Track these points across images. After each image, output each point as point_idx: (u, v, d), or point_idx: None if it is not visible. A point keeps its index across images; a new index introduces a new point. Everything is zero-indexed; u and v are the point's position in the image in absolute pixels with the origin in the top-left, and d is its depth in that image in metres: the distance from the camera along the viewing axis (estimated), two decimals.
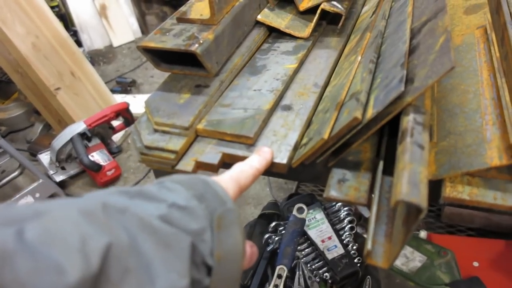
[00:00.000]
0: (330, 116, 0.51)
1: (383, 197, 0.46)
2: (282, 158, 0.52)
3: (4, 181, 2.01)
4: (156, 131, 0.56)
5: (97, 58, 3.24)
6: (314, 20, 0.73)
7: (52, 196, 2.06)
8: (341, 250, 1.25)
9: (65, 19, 3.10)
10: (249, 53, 0.69)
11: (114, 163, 2.10)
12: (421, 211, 0.34)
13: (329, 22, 0.79)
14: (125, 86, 2.82)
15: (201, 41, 0.58)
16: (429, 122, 0.44)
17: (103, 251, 0.29)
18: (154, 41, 0.60)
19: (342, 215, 1.33)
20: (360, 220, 1.34)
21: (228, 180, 0.43)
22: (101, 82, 2.43)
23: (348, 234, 1.29)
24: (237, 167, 0.46)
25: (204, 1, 0.67)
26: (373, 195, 0.46)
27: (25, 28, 2.08)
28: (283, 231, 1.29)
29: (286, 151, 0.52)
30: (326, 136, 0.48)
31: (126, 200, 0.35)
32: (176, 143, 0.54)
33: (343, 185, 0.49)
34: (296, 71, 0.66)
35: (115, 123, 2.22)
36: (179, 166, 0.53)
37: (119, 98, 2.63)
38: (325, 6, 0.72)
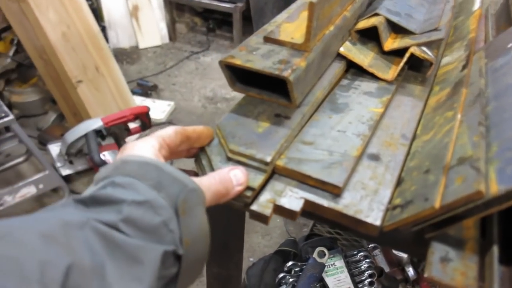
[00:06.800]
0: (437, 181, 0.44)
1: None
2: (375, 219, 0.44)
3: (8, 165, 1.93)
4: (229, 159, 0.49)
5: (121, 56, 3.20)
6: (401, 64, 0.67)
7: (56, 190, 1.98)
8: None
9: (96, 13, 3.06)
10: (329, 87, 0.63)
11: None
12: None
13: (409, 67, 0.73)
14: (146, 89, 2.76)
15: (294, 67, 0.52)
16: None
17: (63, 279, 0.27)
18: (241, 59, 0.53)
19: (363, 267, 1.25)
20: (381, 276, 1.25)
21: None
22: (123, 81, 2.38)
23: None
24: None
25: (293, 23, 0.61)
26: None
27: (58, 16, 2.03)
28: (299, 272, 1.21)
29: (378, 210, 0.45)
30: (437, 205, 0.41)
31: (83, 211, 0.33)
32: (254, 179, 0.46)
33: (447, 266, 0.41)
34: (381, 117, 0.59)
35: (132, 125, 2.15)
36: (255, 207, 0.45)
37: (139, 101, 2.57)
38: (415, 50, 0.66)
